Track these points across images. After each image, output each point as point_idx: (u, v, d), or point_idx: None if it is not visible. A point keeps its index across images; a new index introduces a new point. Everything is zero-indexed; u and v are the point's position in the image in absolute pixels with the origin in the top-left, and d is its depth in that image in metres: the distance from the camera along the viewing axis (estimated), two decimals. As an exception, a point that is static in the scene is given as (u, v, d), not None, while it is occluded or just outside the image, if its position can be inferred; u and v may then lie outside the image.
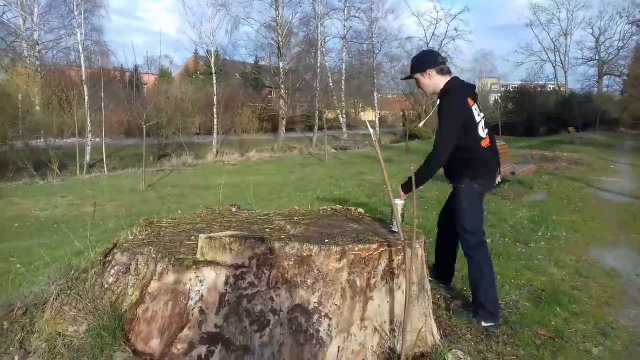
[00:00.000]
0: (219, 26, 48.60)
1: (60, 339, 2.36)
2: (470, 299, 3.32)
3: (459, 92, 3.25)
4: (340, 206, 3.45)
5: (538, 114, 43.83)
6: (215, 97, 30.54)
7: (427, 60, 3.36)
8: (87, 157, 23.49)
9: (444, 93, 3.26)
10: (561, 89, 49.54)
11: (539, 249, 5.10)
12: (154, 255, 2.41)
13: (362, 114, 46.79)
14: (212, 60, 31.44)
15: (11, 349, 2.41)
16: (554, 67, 50.76)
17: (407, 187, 3.16)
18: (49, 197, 13.79)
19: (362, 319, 2.34)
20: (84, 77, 25.87)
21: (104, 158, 23.12)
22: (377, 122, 41.07)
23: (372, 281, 2.37)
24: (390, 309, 2.44)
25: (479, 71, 49.76)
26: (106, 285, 2.53)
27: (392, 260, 2.43)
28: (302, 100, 38.28)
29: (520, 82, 51.81)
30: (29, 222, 10.37)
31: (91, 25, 30.87)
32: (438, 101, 3.28)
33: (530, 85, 49.87)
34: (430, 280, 2.99)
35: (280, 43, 33.57)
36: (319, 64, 35.23)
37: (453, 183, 3.37)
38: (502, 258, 4.66)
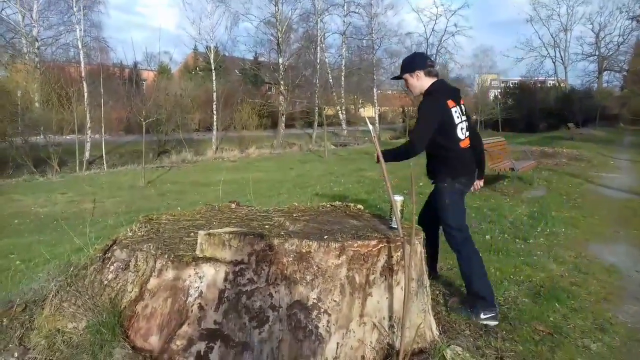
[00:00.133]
0: (219, 22, 48.62)
1: (60, 335, 2.36)
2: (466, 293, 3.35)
3: (440, 94, 3.40)
4: (340, 203, 3.45)
5: (538, 110, 43.79)
6: (214, 94, 30.53)
7: (416, 62, 3.51)
8: (87, 154, 23.49)
9: (427, 93, 3.41)
10: (561, 85, 49.47)
11: (538, 245, 5.11)
12: (153, 252, 2.42)
13: (361, 110, 46.75)
14: (212, 56, 31.43)
15: (10, 345, 2.42)
16: (554, 63, 50.70)
17: (385, 157, 3.06)
18: (48, 194, 13.80)
19: (361, 315, 2.35)
20: (83, 74, 25.85)
21: (104, 155, 23.12)
22: (376, 118, 41.07)
23: (371, 277, 2.37)
24: (390, 305, 2.44)
25: (478, 67, 49.68)
26: (105, 282, 2.53)
27: (391, 257, 2.43)
28: (302, 97, 38.24)
29: (520, 78, 51.76)
30: (29, 219, 10.38)
31: (90, 21, 30.84)
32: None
33: (530, 81, 49.81)
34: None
35: (280, 39, 33.54)
36: (318, 60, 35.22)
37: (435, 182, 3.50)
38: (502, 254, 4.67)
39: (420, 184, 9.06)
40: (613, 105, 45.53)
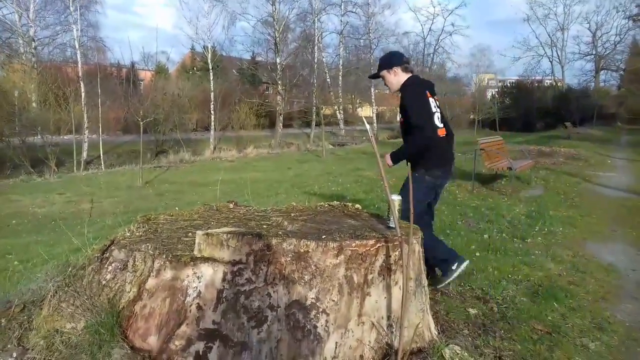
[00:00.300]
0: (216, 22, 48.50)
1: (58, 336, 2.36)
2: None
3: (418, 85, 3.69)
4: (338, 202, 3.45)
5: (535, 109, 43.83)
6: (212, 94, 30.47)
7: (393, 58, 3.77)
8: (84, 154, 23.43)
9: (405, 86, 3.65)
10: (558, 84, 49.53)
11: (536, 244, 5.12)
12: (151, 252, 2.41)
13: (359, 110, 46.76)
14: (209, 56, 31.37)
15: (9, 346, 2.41)
16: (551, 62, 50.74)
17: (395, 157, 3.57)
18: (46, 194, 13.77)
19: (359, 315, 2.35)
20: (80, 74, 25.76)
21: (101, 155, 23.07)
22: (374, 118, 41.09)
23: (370, 277, 2.38)
24: (388, 305, 2.45)
25: (476, 66, 49.70)
26: (104, 282, 2.53)
27: (389, 256, 2.43)
28: (300, 97, 38.24)
29: (517, 78, 51.80)
30: (27, 219, 10.35)
31: (87, 21, 30.81)
32: (400, 95, 3.67)
33: (528, 80, 49.86)
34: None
35: (277, 39, 33.49)
36: (316, 60, 35.20)
37: (414, 168, 3.55)
38: (500, 253, 4.67)
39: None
40: (610, 104, 45.60)
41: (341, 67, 38.28)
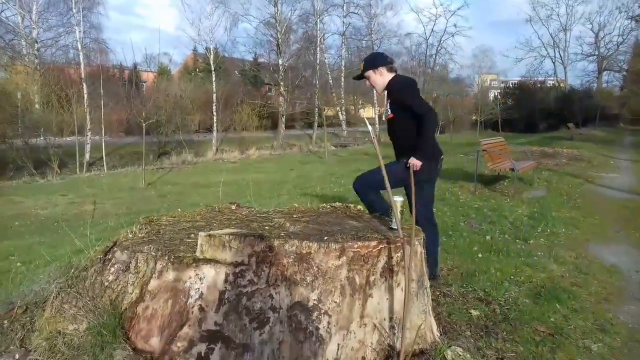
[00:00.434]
0: (218, 23, 48.48)
1: (61, 337, 2.36)
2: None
3: (409, 81, 3.83)
4: (340, 203, 3.45)
5: (538, 110, 43.81)
6: (214, 95, 30.52)
7: (378, 58, 3.85)
8: (87, 156, 23.49)
9: (394, 83, 3.73)
10: (561, 85, 49.47)
11: (539, 245, 5.11)
12: (153, 254, 2.42)
13: (361, 111, 46.77)
14: (211, 57, 31.43)
15: (12, 347, 2.42)
16: (553, 63, 50.69)
17: (423, 156, 3.51)
18: (49, 196, 13.81)
19: (361, 317, 2.35)
20: (83, 75, 25.85)
21: (104, 156, 23.12)
22: (376, 119, 41.05)
23: (372, 278, 2.37)
24: (390, 307, 2.44)
25: (478, 67, 49.71)
26: (106, 284, 2.53)
27: (392, 258, 2.43)
28: (302, 98, 38.28)
29: (519, 78, 51.79)
30: (29, 220, 10.38)
31: (90, 23, 30.91)
32: (387, 92, 3.78)
33: (530, 81, 49.83)
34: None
35: (280, 40, 33.56)
36: (318, 61, 35.25)
37: (403, 156, 3.70)
38: (502, 255, 4.66)
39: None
40: (613, 105, 45.52)
41: (343, 68, 38.31)
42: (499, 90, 52.36)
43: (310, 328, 2.23)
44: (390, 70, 3.78)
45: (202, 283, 2.27)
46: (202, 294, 2.26)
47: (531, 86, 48.83)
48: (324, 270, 2.27)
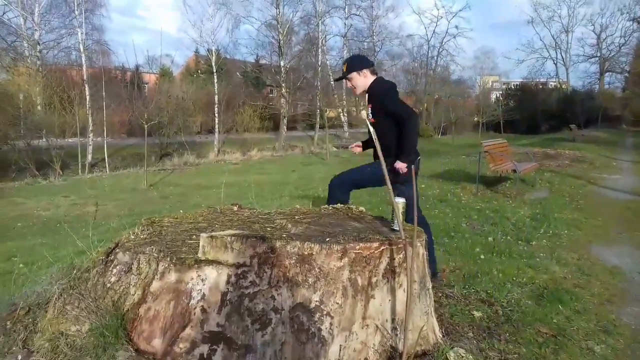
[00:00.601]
0: (220, 25, 48.68)
1: (63, 338, 2.36)
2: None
3: (389, 85, 3.85)
4: (342, 205, 3.45)
5: (540, 112, 43.77)
6: (216, 96, 30.56)
7: (364, 61, 3.90)
8: (89, 157, 23.53)
9: (375, 86, 3.80)
10: (563, 87, 49.43)
11: (541, 247, 5.10)
12: (155, 255, 2.42)
13: (363, 112, 46.69)
14: (213, 59, 31.46)
15: (14, 348, 2.42)
16: (555, 64, 50.67)
17: (406, 159, 3.60)
18: (51, 197, 13.83)
19: (363, 318, 2.34)
20: (85, 77, 25.89)
21: (106, 158, 23.16)
22: (378, 120, 40.98)
23: (374, 280, 2.37)
24: (392, 308, 2.44)
25: (480, 69, 49.77)
26: (108, 285, 2.53)
27: (394, 259, 2.43)
28: (304, 99, 38.31)
29: (521, 80, 51.76)
30: (32, 222, 10.40)
31: (92, 24, 31.03)
32: (368, 95, 3.85)
33: (532, 82, 49.79)
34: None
35: (281, 42, 33.61)
36: (320, 63, 35.25)
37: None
38: (504, 256, 4.66)
39: (422, 185, 9.06)
40: (615, 106, 45.49)
41: (345, 70, 38.23)
42: (501, 92, 52.29)
43: (313, 329, 2.23)
44: (372, 72, 3.84)
45: (204, 284, 2.27)
46: (204, 295, 2.26)
47: (533, 88, 48.78)
48: (326, 272, 2.27)
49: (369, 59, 3.98)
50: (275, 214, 3.20)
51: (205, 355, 2.18)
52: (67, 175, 20.29)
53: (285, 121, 34.19)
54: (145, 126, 16.97)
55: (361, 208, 3.32)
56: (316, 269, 2.27)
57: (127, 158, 24.40)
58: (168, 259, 2.36)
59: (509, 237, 5.40)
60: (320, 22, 35.80)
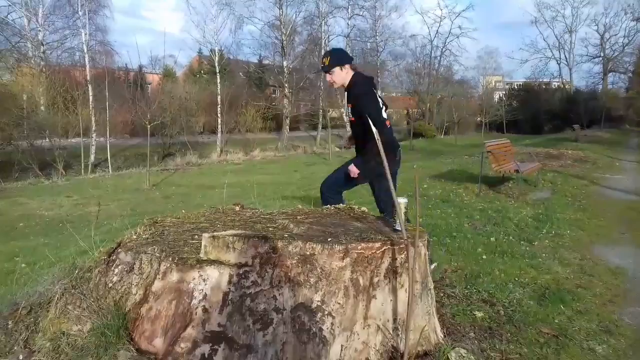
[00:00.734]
0: (223, 25, 48.46)
1: (65, 338, 2.37)
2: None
3: (368, 84, 3.92)
4: (344, 205, 3.45)
5: (543, 112, 43.72)
6: (219, 97, 30.60)
7: (345, 56, 3.97)
8: (92, 157, 23.61)
9: (354, 84, 3.86)
10: (566, 87, 49.32)
11: (543, 247, 5.09)
12: (157, 255, 2.42)
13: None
14: (216, 59, 31.53)
15: (15, 348, 2.43)
16: (558, 64, 50.48)
17: (360, 161, 3.82)
18: (54, 197, 13.86)
19: (365, 318, 2.34)
20: (88, 77, 25.98)
21: (109, 158, 23.22)
22: (381, 120, 40.96)
23: (375, 280, 2.37)
24: (394, 308, 2.44)
25: (483, 69, 49.71)
26: (110, 285, 2.54)
27: (395, 259, 2.43)
28: (306, 99, 38.34)
29: (525, 80, 51.67)
30: (35, 221, 10.42)
31: (95, 25, 31.06)
32: (347, 94, 3.91)
33: (535, 82, 49.71)
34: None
35: (284, 42, 33.62)
36: (322, 63, 35.15)
37: (365, 154, 3.85)
38: (506, 256, 4.65)
39: (425, 185, 9.05)
40: (618, 106, 45.33)
41: (348, 70, 38.20)
42: (504, 92, 52.26)
43: (314, 329, 2.23)
44: (353, 68, 3.90)
45: (205, 284, 2.27)
46: (205, 295, 2.26)
47: (536, 88, 48.73)
48: (327, 272, 2.27)
49: (349, 55, 4.07)
50: (277, 214, 3.20)
51: (206, 355, 2.18)
52: (70, 175, 20.33)
53: (287, 121, 34.19)
54: (148, 126, 16.99)
55: (363, 208, 3.32)
56: (318, 269, 2.27)
57: (129, 158, 24.47)
58: (170, 258, 2.36)
59: (511, 237, 5.39)
60: (323, 22, 35.83)
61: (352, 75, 3.87)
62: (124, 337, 2.32)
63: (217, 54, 32.16)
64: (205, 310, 2.24)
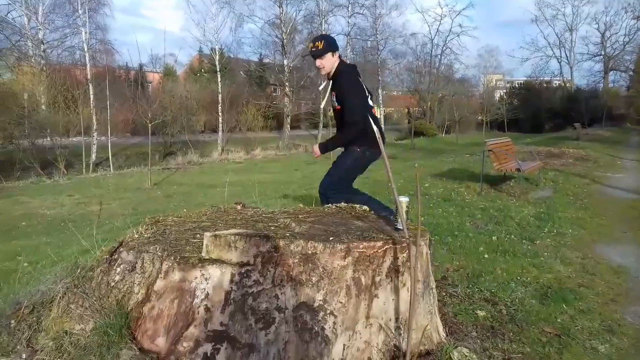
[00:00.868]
0: (223, 24, 48.50)
1: (67, 337, 2.37)
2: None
3: (354, 73, 3.95)
4: (345, 204, 3.45)
5: (544, 110, 43.70)
6: (220, 95, 30.60)
7: (335, 42, 3.97)
8: (93, 156, 23.63)
9: (340, 73, 3.88)
10: (567, 85, 49.28)
11: (545, 246, 5.08)
12: (159, 254, 2.42)
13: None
14: (217, 58, 31.53)
15: (19, 347, 2.43)
16: (559, 63, 50.46)
17: (323, 147, 4.07)
18: (55, 196, 13.87)
19: (367, 317, 2.34)
20: (89, 76, 25.99)
21: (110, 157, 23.24)
22: (382, 119, 41.03)
23: (377, 279, 2.37)
24: (396, 307, 2.44)
25: (484, 67, 49.70)
26: (112, 284, 2.54)
27: (397, 258, 2.43)
28: (307, 98, 38.29)
29: (525, 78, 51.65)
30: (36, 220, 10.43)
31: (96, 24, 31.09)
32: (332, 83, 3.91)
33: (536, 81, 49.67)
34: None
35: (285, 41, 33.59)
36: (323, 61, 35.13)
37: (349, 146, 3.96)
38: (508, 255, 4.64)
39: (426, 184, 9.05)
40: (619, 105, 45.35)
41: (348, 69, 38.19)
42: (505, 90, 52.25)
43: (316, 328, 2.23)
44: (339, 55, 3.96)
45: (207, 283, 2.27)
46: (208, 294, 2.26)
47: (537, 86, 48.69)
48: (329, 271, 2.27)
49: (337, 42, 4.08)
50: (279, 213, 3.20)
51: (208, 354, 2.18)
52: (72, 174, 20.35)
53: (288, 120, 34.18)
54: (149, 125, 16.99)
55: (365, 207, 3.32)
56: (320, 268, 2.27)
57: (131, 157, 24.49)
58: (172, 258, 2.36)
59: (513, 236, 5.38)
60: (323, 20, 35.78)
61: (338, 64, 3.90)
62: (126, 336, 2.32)
63: (217, 52, 32.17)
64: (207, 309, 2.24)
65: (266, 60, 40.24)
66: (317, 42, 3.92)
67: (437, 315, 2.76)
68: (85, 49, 27.47)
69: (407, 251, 2.43)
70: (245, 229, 2.55)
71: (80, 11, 27.74)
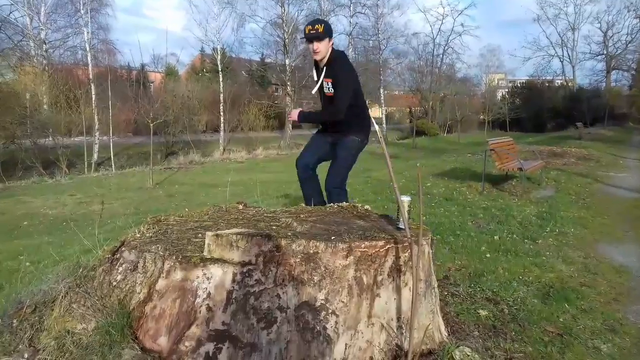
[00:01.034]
0: (225, 24, 48.52)
1: (69, 336, 2.37)
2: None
3: (349, 62, 4.02)
4: (347, 203, 3.45)
5: (546, 110, 43.66)
6: (221, 95, 30.60)
7: (332, 29, 3.94)
8: (95, 156, 23.64)
9: (335, 60, 3.89)
10: (569, 84, 49.20)
11: (547, 245, 5.08)
12: (161, 253, 2.42)
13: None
14: (219, 58, 31.51)
15: (21, 346, 2.43)
16: (561, 62, 50.38)
17: (303, 117, 4.19)
18: (57, 196, 13.88)
19: (369, 316, 2.34)
20: (91, 76, 26.00)
21: (112, 156, 23.26)
22: (383, 118, 41.01)
23: (379, 278, 2.37)
24: (398, 306, 2.44)
25: (486, 67, 49.62)
26: (114, 283, 2.54)
27: (399, 258, 2.42)
28: (309, 98, 38.25)
29: (527, 78, 51.59)
30: (38, 220, 10.45)
31: (98, 23, 31.11)
32: (327, 69, 3.91)
33: (538, 80, 49.61)
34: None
35: (286, 40, 33.55)
36: (325, 61, 35.12)
37: (347, 136, 4.06)
38: (510, 255, 4.64)
39: (428, 184, 9.04)
40: (621, 104, 45.29)
41: (350, 68, 38.18)
42: (507, 90, 52.20)
43: (318, 328, 2.23)
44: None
45: (209, 283, 2.27)
46: (209, 293, 2.26)
47: (539, 85, 48.63)
48: (331, 270, 2.27)
49: None
50: (280, 212, 3.20)
51: (210, 354, 2.18)
52: (74, 173, 20.37)
53: (290, 119, 34.15)
54: (151, 125, 16.99)
55: (366, 206, 3.32)
56: (322, 267, 2.26)
57: (133, 157, 24.51)
58: (174, 257, 2.36)
59: (515, 236, 5.38)
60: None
61: (332, 51, 3.91)
62: (128, 336, 2.32)
63: (219, 52, 32.16)
64: (209, 308, 2.24)
65: (268, 60, 40.28)
66: (317, 25, 3.85)
67: (439, 315, 2.76)
68: (87, 49, 27.50)
69: (409, 250, 2.43)
70: (247, 229, 2.55)
71: (82, 11, 27.77)
